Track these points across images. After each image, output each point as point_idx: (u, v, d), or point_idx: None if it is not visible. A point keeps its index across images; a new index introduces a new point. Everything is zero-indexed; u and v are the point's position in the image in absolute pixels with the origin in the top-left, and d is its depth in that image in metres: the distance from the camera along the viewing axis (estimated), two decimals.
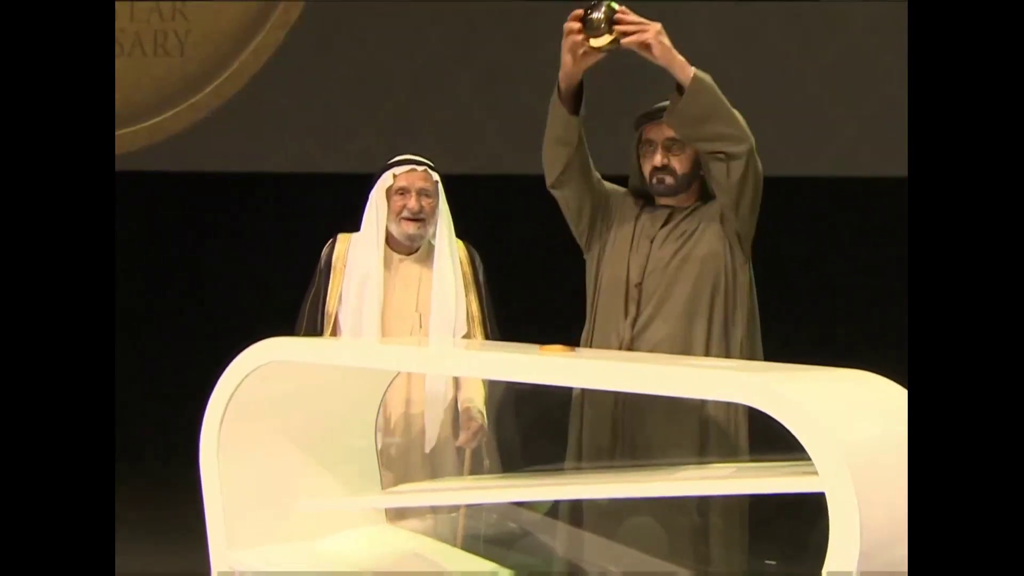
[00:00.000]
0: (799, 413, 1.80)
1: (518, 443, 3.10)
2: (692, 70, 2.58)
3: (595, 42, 2.53)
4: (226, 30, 6.75)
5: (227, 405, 2.53)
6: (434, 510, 2.82)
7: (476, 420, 3.07)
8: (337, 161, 6.38)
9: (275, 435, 2.61)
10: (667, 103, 2.71)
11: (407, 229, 3.13)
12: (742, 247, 2.77)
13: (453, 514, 2.80)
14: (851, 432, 1.83)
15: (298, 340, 2.64)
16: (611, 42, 2.53)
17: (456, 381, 3.15)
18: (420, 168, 3.16)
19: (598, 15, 2.52)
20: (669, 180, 2.80)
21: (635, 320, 2.72)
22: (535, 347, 2.37)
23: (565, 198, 2.87)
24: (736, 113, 2.63)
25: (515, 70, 5.93)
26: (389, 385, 2.78)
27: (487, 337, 3.21)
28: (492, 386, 3.10)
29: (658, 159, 2.79)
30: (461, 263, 3.22)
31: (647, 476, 2.48)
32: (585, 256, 2.92)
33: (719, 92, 2.59)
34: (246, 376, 2.51)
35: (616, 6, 2.53)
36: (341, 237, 3.22)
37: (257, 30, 6.68)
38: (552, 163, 2.80)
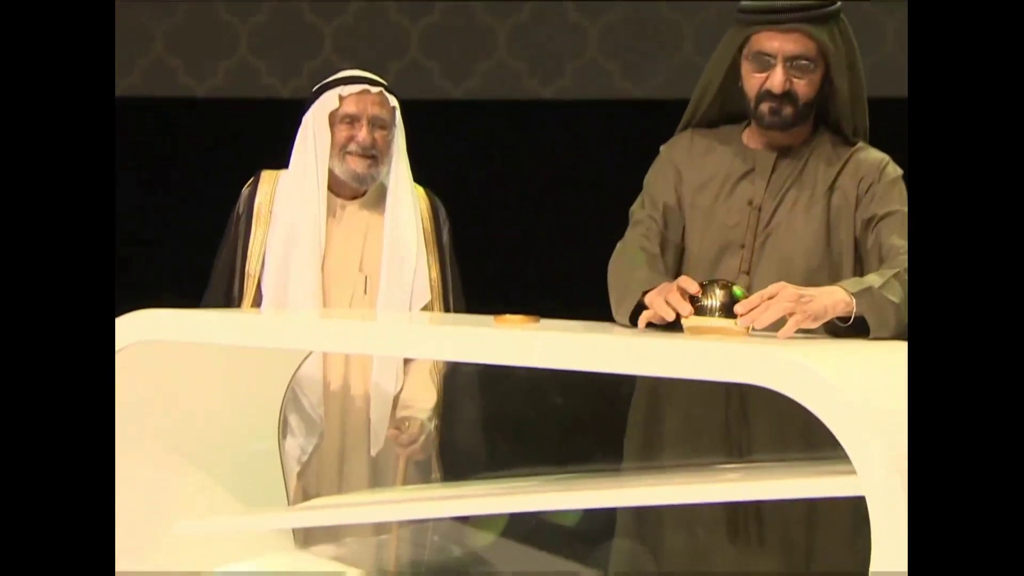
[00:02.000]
0: (834, 400, 1.61)
1: (470, 443, 2.74)
2: (849, 302, 2.07)
3: (706, 321, 2.08)
4: None
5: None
6: (367, 530, 2.49)
7: (414, 428, 2.62)
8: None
9: (147, 438, 2.22)
10: None
11: (354, 167, 2.66)
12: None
13: (384, 536, 2.44)
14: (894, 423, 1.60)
15: (182, 313, 2.26)
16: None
17: (404, 368, 2.69)
18: (375, 90, 2.68)
19: (712, 303, 2.05)
20: (788, 111, 2.28)
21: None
22: (490, 319, 2.07)
23: None
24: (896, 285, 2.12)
25: None
26: (296, 373, 2.40)
27: (447, 311, 2.75)
28: (446, 378, 2.72)
29: (778, 80, 2.25)
30: (420, 215, 2.77)
31: (639, 482, 2.19)
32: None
33: (883, 292, 2.11)
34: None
35: (739, 291, 2.04)
36: (265, 175, 2.75)
37: None
38: None
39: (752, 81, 2.25)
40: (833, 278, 2.25)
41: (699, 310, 2.03)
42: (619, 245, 2.34)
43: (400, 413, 2.63)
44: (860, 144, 2.32)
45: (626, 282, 2.18)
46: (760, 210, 2.27)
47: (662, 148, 2.39)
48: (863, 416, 1.57)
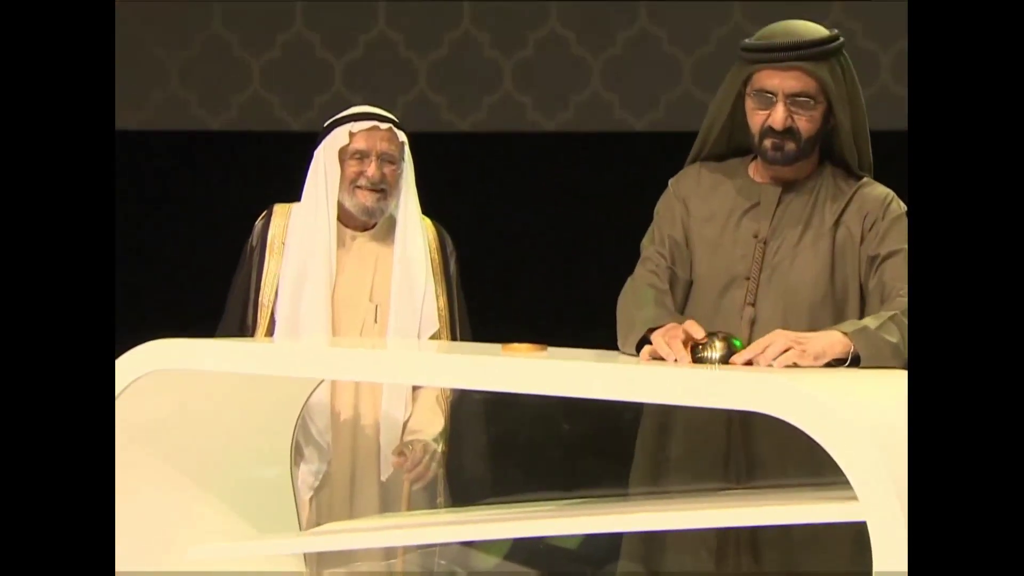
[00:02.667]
0: (836, 425, 1.60)
1: (477, 468, 2.72)
2: (847, 343, 2.06)
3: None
4: None
5: None
6: (377, 555, 2.47)
7: (416, 451, 2.59)
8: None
9: (160, 463, 2.21)
10: (792, 38, 2.22)
11: (364, 201, 2.66)
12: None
13: (393, 560, 2.43)
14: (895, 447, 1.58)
15: (196, 343, 2.25)
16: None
17: (413, 395, 2.68)
18: (384, 126, 2.68)
19: (712, 355, 2.05)
20: (790, 147, 2.26)
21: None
22: (497, 347, 2.06)
23: None
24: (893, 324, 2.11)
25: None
26: (308, 399, 2.38)
27: (454, 339, 2.74)
28: (453, 405, 2.68)
29: (779, 117, 2.24)
30: (428, 246, 2.76)
31: (644, 506, 2.16)
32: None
33: (880, 333, 2.09)
34: (124, 389, 2.10)
35: (739, 343, 2.05)
36: (278, 208, 2.75)
37: None
38: None
39: (755, 117, 2.24)
40: (837, 311, 2.24)
41: (699, 360, 2.02)
42: (629, 281, 2.32)
43: (407, 438, 2.61)
44: (866, 179, 2.30)
45: (633, 319, 2.17)
46: (765, 244, 2.25)
47: (670, 181, 2.37)
48: (864, 441, 1.55)
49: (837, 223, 2.28)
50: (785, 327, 2.10)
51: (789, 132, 2.22)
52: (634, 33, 5.53)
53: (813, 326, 2.17)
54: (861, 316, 2.23)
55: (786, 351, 1.97)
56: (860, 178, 2.30)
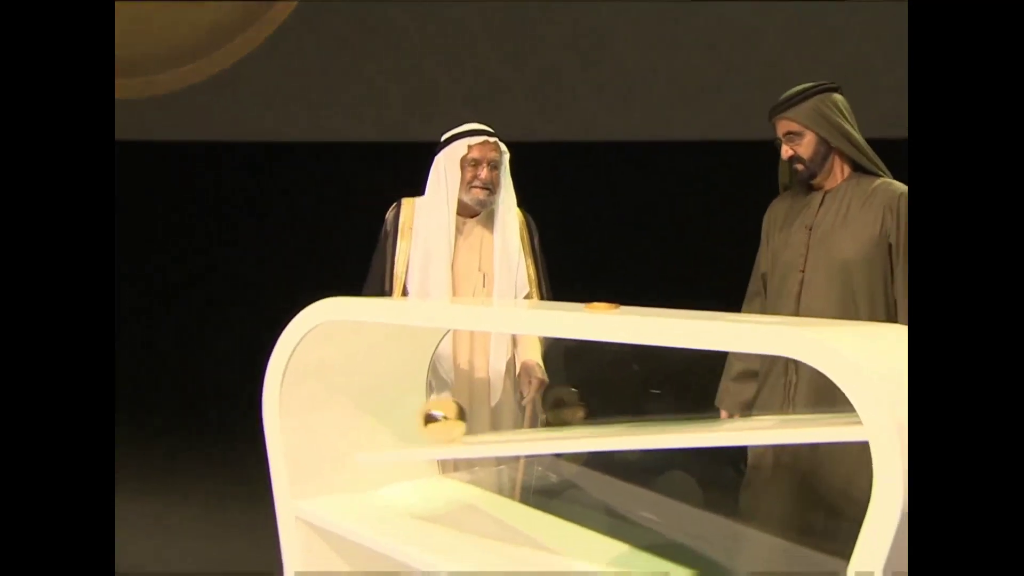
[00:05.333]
0: (845, 366, 1.50)
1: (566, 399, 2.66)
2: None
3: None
4: None
5: (287, 363, 2.17)
6: (491, 462, 2.46)
7: (537, 375, 2.65)
8: (362, 130, 5.74)
9: (333, 392, 2.23)
10: (787, 93, 2.52)
11: (478, 196, 2.71)
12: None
13: (503, 466, 2.42)
14: (894, 381, 1.50)
15: (358, 300, 2.29)
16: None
17: (514, 340, 2.73)
18: (492, 140, 2.72)
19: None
20: (800, 167, 2.55)
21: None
22: (580, 305, 2.01)
23: None
24: None
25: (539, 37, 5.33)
26: (438, 346, 2.39)
27: (542, 298, 2.80)
28: (547, 344, 2.70)
29: (784, 151, 2.56)
30: (519, 228, 2.81)
31: (690, 428, 2.10)
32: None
33: None
34: (304, 335, 2.15)
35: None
36: (405, 202, 2.79)
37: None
38: None
39: (783, 154, 2.55)
40: (868, 267, 2.43)
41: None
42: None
43: (520, 374, 2.67)
44: (883, 179, 2.51)
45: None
46: (810, 230, 2.40)
47: (765, 215, 2.67)
48: (868, 377, 1.48)
49: (863, 207, 2.48)
50: (825, 284, 2.40)
51: (794, 159, 2.52)
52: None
53: (846, 282, 2.40)
54: (888, 274, 2.44)
55: None
56: (880, 176, 2.49)
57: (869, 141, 2.57)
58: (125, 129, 5.30)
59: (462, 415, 2.04)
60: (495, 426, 2.68)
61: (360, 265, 2.84)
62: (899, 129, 3.01)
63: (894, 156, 2.54)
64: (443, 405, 2.07)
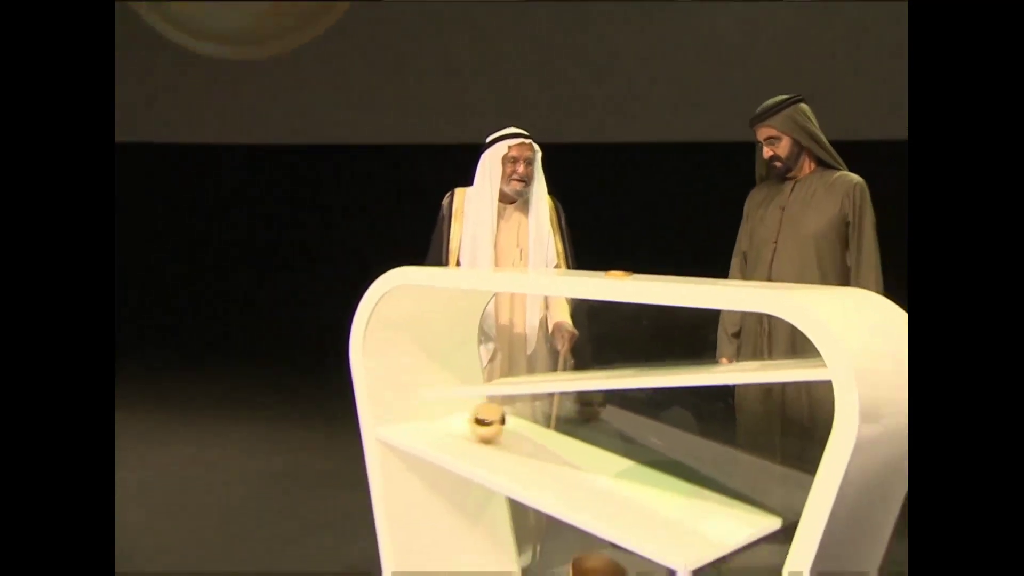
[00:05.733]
0: (813, 319, 1.65)
1: (589, 349, 2.97)
2: None
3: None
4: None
5: (369, 317, 2.44)
6: (530, 398, 2.71)
7: (568, 329, 2.93)
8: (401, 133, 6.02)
9: (404, 340, 2.50)
10: (766, 103, 2.76)
11: (516, 187, 3.01)
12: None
13: (538, 401, 2.68)
14: (854, 332, 1.67)
15: (423, 268, 2.52)
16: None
17: (546, 302, 3.00)
18: (527, 141, 3.03)
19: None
20: (778, 164, 2.84)
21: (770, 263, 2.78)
22: (601, 273, 2.22)
23: None
24: None
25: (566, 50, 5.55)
26: (486, 306, 2.66)
27: (568, 268, 3.09)
28: (573, 305, 2.94)
29: (765, 152, 2.84)
30: (549, 211, 3.10)
31: (688, 371, 2.23)
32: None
33: None
34: (382, 295, 2.42)
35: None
36: (457, 191, 3.07)
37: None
38: None
39: (763, 153, 2.80)
40: (828, 240, 2.70)
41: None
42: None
43: (553, 331, 2.92)
44: (842, 171, 2.82)
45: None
46: (783, 209, 2.78)
47: (746, 200, 2.94)
48: (830, 328, 1.59)
49: (826, 191, 2.78)
50: (795, 253, 2.63)
51: (773, 158, 2.80)
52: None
53: (810, 252, 2.68)
54: (845, 246, 2.70)
55: None
56: (839, 169, 2.83)
57: (831, 142, 2.90)
58: (124, 131, 5.14)
59: (503, 420, 2.34)
60: (531, 370, 2.98)
61: (416, 244, 3.14)
62: (856, 132, 3.35)
63: (851, 153, 2.89)
64: (490, 411, 2.32)
